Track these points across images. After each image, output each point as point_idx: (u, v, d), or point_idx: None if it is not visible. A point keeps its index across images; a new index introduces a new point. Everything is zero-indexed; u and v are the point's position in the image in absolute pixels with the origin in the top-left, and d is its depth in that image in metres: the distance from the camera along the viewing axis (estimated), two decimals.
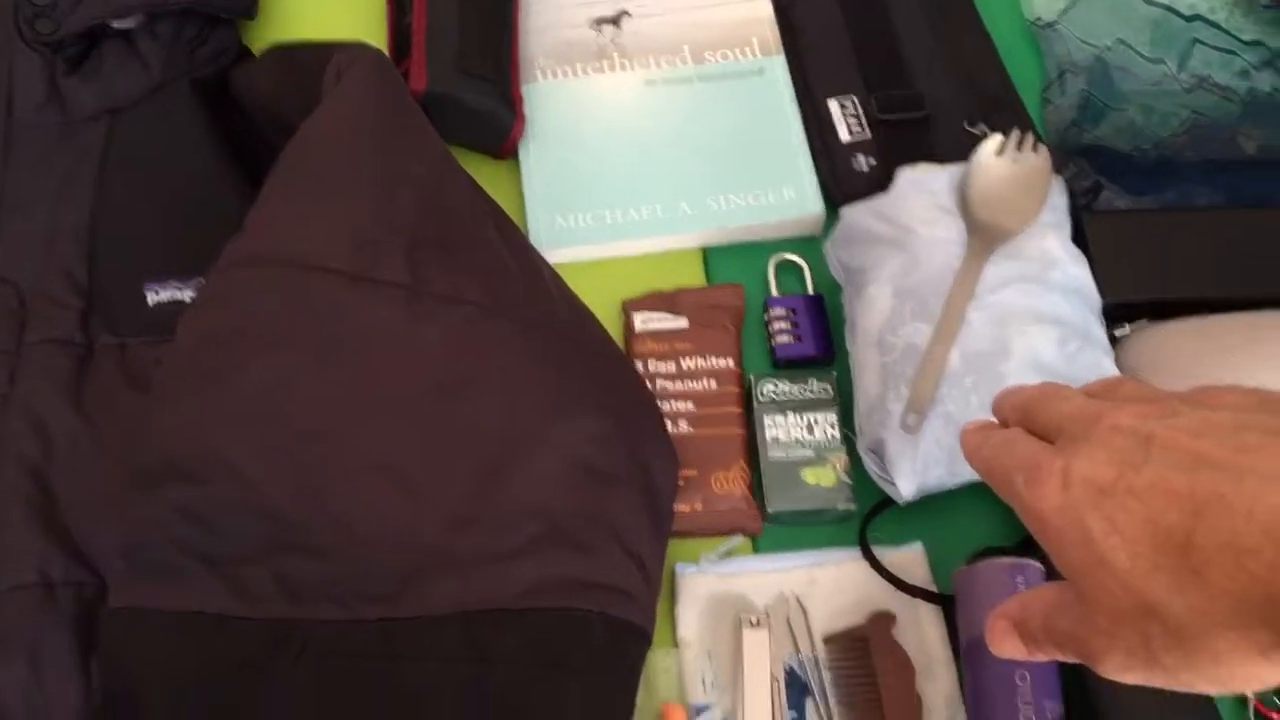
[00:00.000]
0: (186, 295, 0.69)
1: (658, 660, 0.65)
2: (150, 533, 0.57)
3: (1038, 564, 0.64)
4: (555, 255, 0.74)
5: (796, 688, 0.65)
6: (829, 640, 0.66)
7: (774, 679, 0.64)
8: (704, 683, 0.64)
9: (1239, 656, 0.32)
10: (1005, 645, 0.40)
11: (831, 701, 0.64)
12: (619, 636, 0.60)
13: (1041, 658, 0.38)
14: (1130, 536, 0.33)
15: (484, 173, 0.73)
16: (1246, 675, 0.33)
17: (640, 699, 0.62)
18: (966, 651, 0.63)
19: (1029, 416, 0.40)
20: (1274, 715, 0.64)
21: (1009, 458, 0.38)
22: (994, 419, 0.44)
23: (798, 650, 0.66)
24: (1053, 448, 0.37)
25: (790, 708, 0.64)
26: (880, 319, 0.69)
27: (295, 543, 0.58)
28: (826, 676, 0.65)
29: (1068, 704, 0.61)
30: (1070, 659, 0.37)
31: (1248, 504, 0.31)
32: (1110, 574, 0.34)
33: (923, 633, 0.66)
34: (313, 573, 0.58)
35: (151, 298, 0.69)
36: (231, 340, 0.60)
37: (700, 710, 0.64)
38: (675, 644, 0.66)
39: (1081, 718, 0.61)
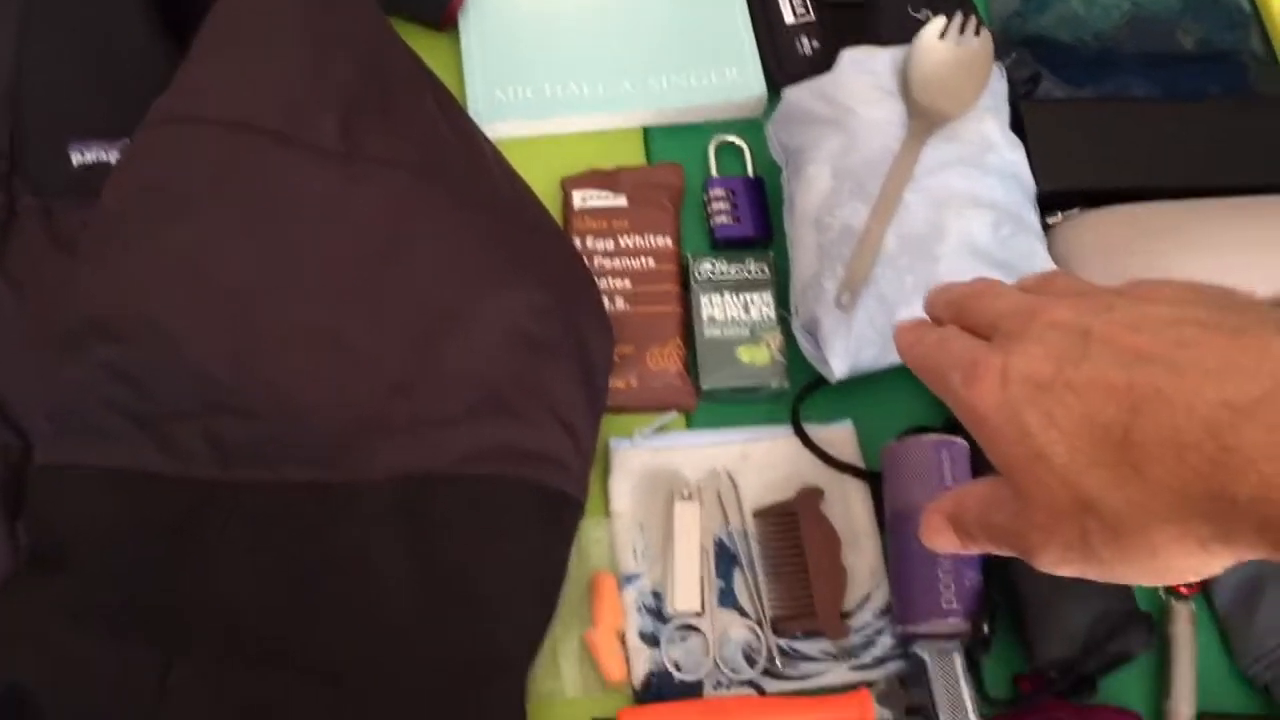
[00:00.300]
0: (113, 157, 0.67)
1: (590, 530, 0.66)
2: (78, 393, 0.57)
3: (962, 441, 0.65)
4: (495, 129, 0.73)
5: (725, 559, 0.66)
6: (758, 514, 0.67)
7: (703, 550, 0.66)
8: (635, 552, 0.65)
9: (1177, 549, 0.32)
10: (939, 539, 0.39)
11: (759, 572, 0.66)
12: (552, 504, 0.61)
13: (975, 550, 0.39)
14: (1068, 431, 0.33)
15: (423, 45, 0.72)
16: (1183, 567, 0.33)
17: (573, 567, 0.63)
18: (891, 524, 0.65)
19: (963, 313, 0.40)
20: (1182, 589, 0.67)
21: (944, 355, 0.38)
22: (926, 315, 0.43)
23: (727, 523, 0.67)
24: (989, 345, 0.37)
25: (719, 577, 0.65)
26: (818, 199, 0.69)
27: (227, 404, 0.58)
28: (755, 548, 0.66)
29: (986, 575, 0.63)
30: (1006, 553, 0.37)
31: (1188, 399, 0.31)
32: (1048, 469, 0.34)
33: (850, 507, 0.67)
34: (244, 435, 0.57)
35: (76, 159, 0.67)
36: (158, 199, 0.59)
37: (630, 579, 0.65)
38: (608, 515, 0.67)
39: (999, 588, 0.63)
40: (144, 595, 0.54)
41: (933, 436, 0.65)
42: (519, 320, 0.62)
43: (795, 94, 0.72)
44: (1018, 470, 0.35)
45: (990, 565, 0.63)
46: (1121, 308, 0.34)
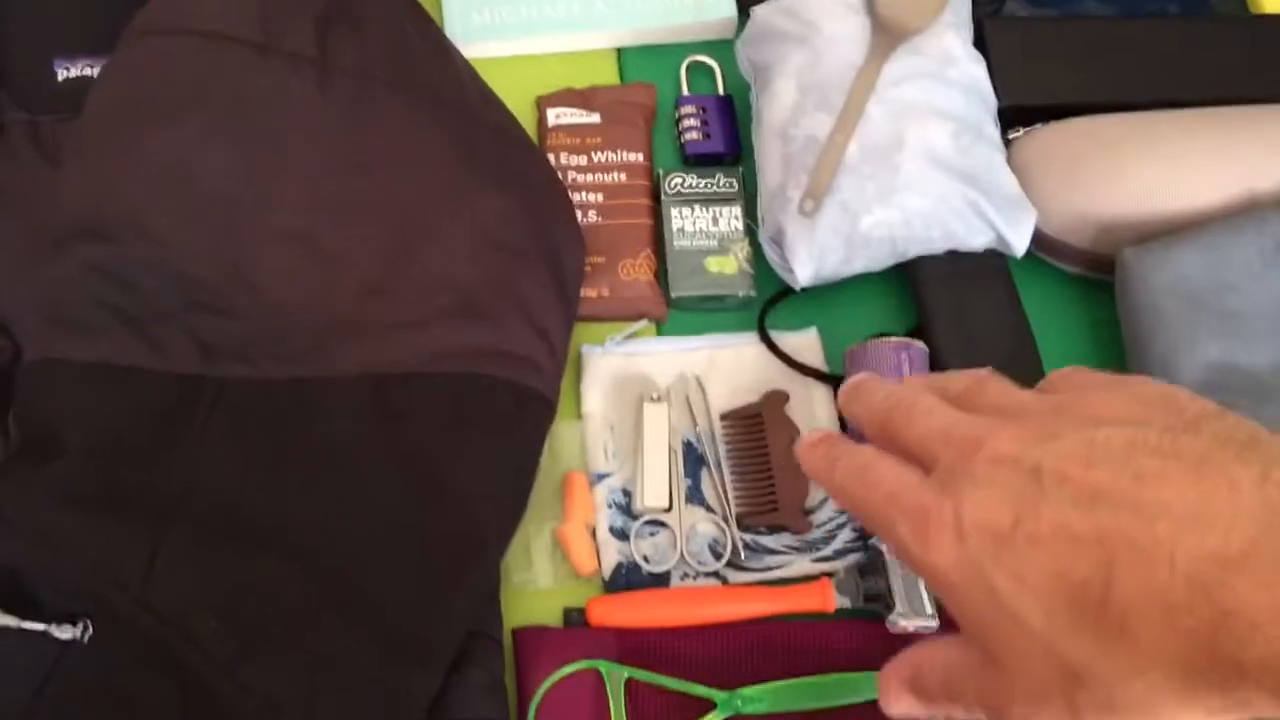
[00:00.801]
0: (97, 72, 0.69)
1: (562, 431, 0.68)
2: (65, 290, 0.59)
3: (921, 345, 0.68)
4: (471, 50, 0.75)
5: (693, 459, 0.68)
6: (725, 417, 0.70)
7: (672, 450, 0.68)
8: (606, 452, 0.68)
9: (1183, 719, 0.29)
10: (898, 706, 0.36)
11: (725, 472, 0.68)
12: (524, 402, 0.63)
13: (940, 714, 0.35)
14: (1042, 592, 0.30)
15: None
16: None
17: (545, 465, 0.66)
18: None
19: (887, 431, 0.36)
20: None
21: (880, 496, 0.34)
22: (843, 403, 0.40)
23: (695, 425, 0.69)
24: (933, 487, 0.33)
25: (686, 476, 0.68)
26: (784, 112, 0.71)
27: (209, 304, 0.60)
28: (721, 449, 0.69)
29: None
30: None
31: (1167, 551, 0.28)
32: (1024, 635, 0.30)
33: (813, 410, 0.70)
34: (226, 333, 0.60)
35: (61, 74, 0.69)
36: (140, 106, 0.60)
37: (601, 477, 0.67)
38: (579, 417, 0.69)
39: None
40: (131, 481, 0.56)
41: (893, 339, 0.67)
42: (491, 227, 0.64)
43: (763, 12, 0.74)
44: (989, 634, 0.32)
45: None
46: (1067, 434, 0.32)
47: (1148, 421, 0.32)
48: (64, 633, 0.54)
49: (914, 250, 0.70)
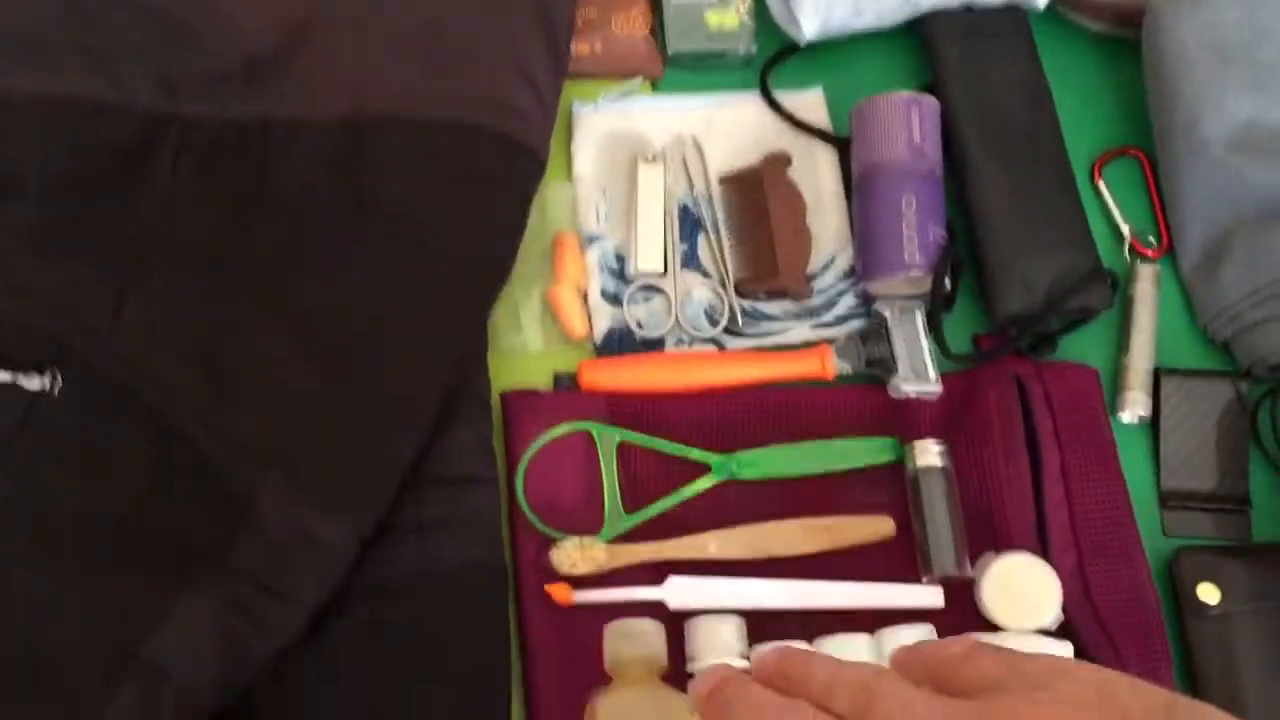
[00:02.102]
0: None
1: (552, 192, 0.65)
2: (29, 24, 0.55)
3: (932, 99, 0.64)
4: None
5: (689, 222, 0.65)
6: (724, 179, 0.66)
7: (667, 214, 0.65)
8: (598, 215, 0.65)
9: None
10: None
11: (723, 236, 0.65)
12: (510, 152, 0.59)
13: None
14: None
15: None
16: None
17: (535, 226, 0.62)
18: (858, 183, 0.64)
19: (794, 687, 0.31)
20: (1147, 251, 0.67)
21: None
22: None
23: (692, 188, 0.66)
24: None
25: (682, 241, 0.65)
26: None
27: (173, 39, 0.56)
28: (720, 212, 0.65)
29: (950, 230, 0.62)
30: None
31: None
32: None
33: (817, 173, 0.66)
34: (193, 70, 0.56)
35: None
36: None
37: (593, 240, 0.64)
38: (570, 179, 0.65)
39: (963, 242, 0.63)
40: (97, 224, 0.53)
41: (904, 94, 0.63)
42: None
43: None
44: None
45: (955, 219, 0.63)
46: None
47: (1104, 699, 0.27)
48: (32, 383, 0.52)
49: (927, 4, 0.66)
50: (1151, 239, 0.67)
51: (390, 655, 0.51)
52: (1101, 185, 0.68)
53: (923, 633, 0.55)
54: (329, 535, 0.51)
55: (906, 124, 0.62)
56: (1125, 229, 0.67)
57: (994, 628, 0.56)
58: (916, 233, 0.61)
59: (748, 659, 0.54)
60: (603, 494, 0.58)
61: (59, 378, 0.52)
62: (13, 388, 0.52)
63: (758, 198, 0.65)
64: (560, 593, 0.55)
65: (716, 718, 0.32)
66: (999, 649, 0.30)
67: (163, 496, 0.51)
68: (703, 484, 0.59)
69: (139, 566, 0.49)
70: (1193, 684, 0.57)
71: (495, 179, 0.59)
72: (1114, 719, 0.27)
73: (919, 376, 0.61)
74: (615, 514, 0.58)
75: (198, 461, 0.51)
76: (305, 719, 0.50)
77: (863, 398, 0.62)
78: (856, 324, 0.64)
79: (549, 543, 0.56)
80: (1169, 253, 0.66)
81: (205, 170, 0.55)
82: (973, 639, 0.31)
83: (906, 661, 0.32)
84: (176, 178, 0.55)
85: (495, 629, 0.53)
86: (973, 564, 0.58)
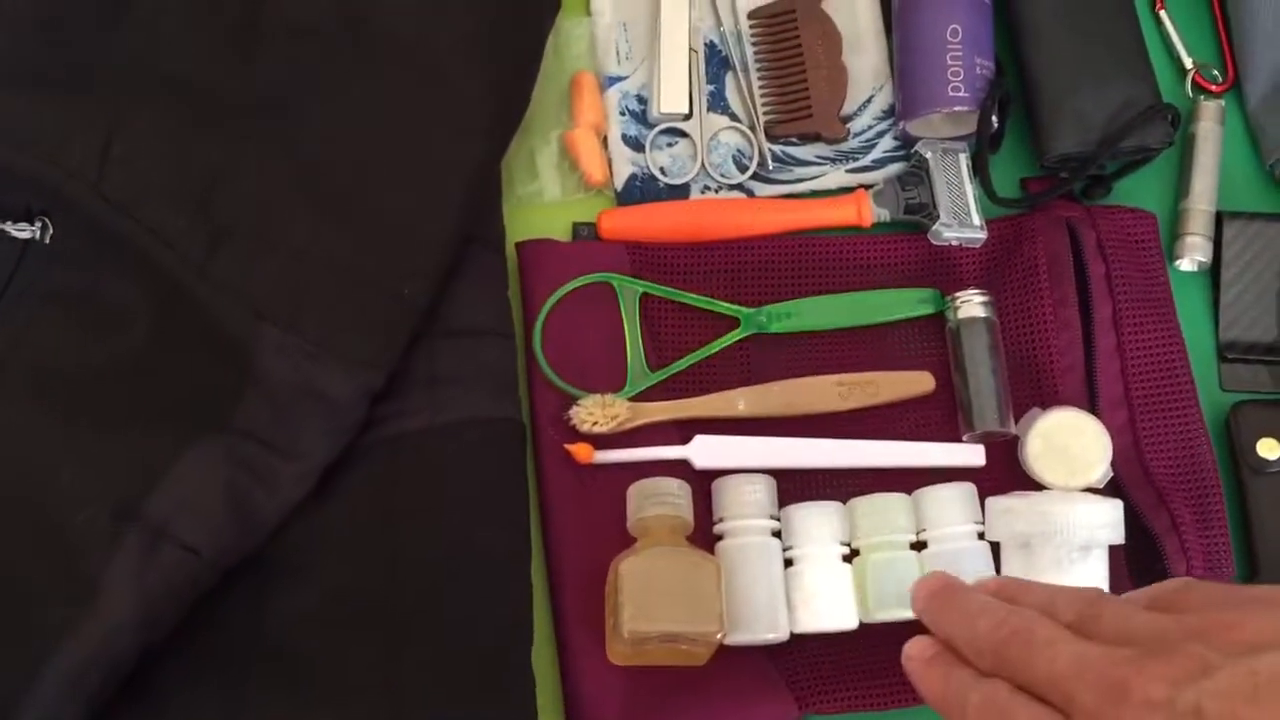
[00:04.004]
0: None
1: (569, 29, 0.60)
2: None
3: None
4: None
5: (716, 61, 0.61)
6: (754, 14, 0.61)
7: (693, 51, 0.60)
8: (618, 54, 0.60)
9: None
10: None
11: (753, 75, 0.61)
12: None
13: None
14: None
15: None
16: None
17: (551, 67, 0.58)
18: (899, 11, 0.59)
19: (1004, 665, 0.32)
20: (1211, 86, 0.62)
21: None
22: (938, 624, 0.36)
23: (719, 24, 0.61)
24: None
25: (709, 81, 0.60)
26: None
27: None
28: (749, 51, 0.61)
29: (997, 62, 0.58)
30: None
31: None
32: None
33: (854, 6, 0.62)
34: None
35: None
36: None
37: (613, 80, 0.60)
38: (589, 14, 0.61)
39: (1013, 75, 0.59)
40: (77, 56, 0.50)
41: None
42: None
43: None
44: None
45: (1002, 53, 0.58)
46: (1222, 667, 0.28)
47: None
48: (21, 231, 0.50)
49: None
50: (1216, 73, 0.62)
51: (405, 507, 0.48)
52: (1163, 14, 0.63)
53: (963, 492, 0.52)
54: (336, 389, 0.48)
55: None
56: (1188, 62, 0.62)
57: (1038, 487, 0.53)
58: (962, 65, 0.56)
59: (777, 519, 0.51)
60: (625, 349, 0.55)
61: (50, 226, 0.49)
62: (2, 236, 0.49)
63: (790, 33, 0.61)
64: (581, 452, 0.53)
65: (938, 615, 0.35)
66: (1215, 584, 0.32)
67: (162, 350, 0.48)
68: (731, 338, 0.56)
69: (139, 421, 0.47)
70: (1249, 545, 0.54)
71: (506, 3, 0.54)
72: None
73: (962, 222, 0.57)
74: (638, 370, 0.55)
75: (196, 313, 0.48)
76: (318, 573, 0.48)
77: (901, 246, 0.58)
78: (895, 167, 0.60)
79: (568, 400, 0.53)
80: (1234, 88, 0.62)
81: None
82: (1188, 579, 0.33)
83: (1129, 597, 0.33)
84: (164, 3, 0.51)
85: (513, 482, 0.51)
86: (1017, 420, 0.55)
